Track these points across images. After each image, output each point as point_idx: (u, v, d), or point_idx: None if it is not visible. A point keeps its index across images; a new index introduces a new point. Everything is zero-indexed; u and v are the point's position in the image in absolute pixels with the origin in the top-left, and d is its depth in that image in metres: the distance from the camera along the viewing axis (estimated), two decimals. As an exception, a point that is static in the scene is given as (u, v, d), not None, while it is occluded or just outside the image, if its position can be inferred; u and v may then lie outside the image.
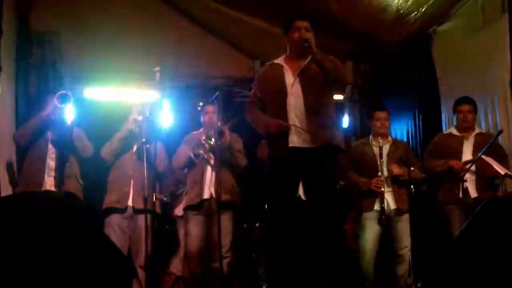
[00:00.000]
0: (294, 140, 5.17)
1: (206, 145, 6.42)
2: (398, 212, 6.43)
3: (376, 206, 6.42)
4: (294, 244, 5.16)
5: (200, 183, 6.41)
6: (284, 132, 5.16)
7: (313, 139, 5.16)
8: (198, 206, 6.39)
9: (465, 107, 6.58)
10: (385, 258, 6.60)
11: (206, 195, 6.38)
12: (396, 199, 6.43)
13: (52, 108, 6.21)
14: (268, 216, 5.94)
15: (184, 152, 6.57)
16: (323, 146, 5.19)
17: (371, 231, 6.47)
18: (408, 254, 6.48)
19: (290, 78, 5.29)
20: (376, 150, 6.47)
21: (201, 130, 6.61)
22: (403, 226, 6.46)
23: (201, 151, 6.47)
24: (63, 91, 6.24)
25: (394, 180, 6.38)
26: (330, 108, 5.37)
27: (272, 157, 5.36)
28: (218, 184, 6.12)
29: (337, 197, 6.29)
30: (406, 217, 6.48)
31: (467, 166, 6.22)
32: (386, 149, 6.48)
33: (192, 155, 6.45)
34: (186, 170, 6.64)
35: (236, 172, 6.60)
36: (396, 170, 6.34)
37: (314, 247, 5.15)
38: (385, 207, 6.38)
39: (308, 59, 5.30)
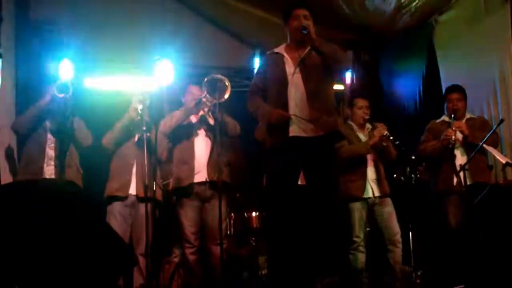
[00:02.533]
0: (295, 130, 5.16)
1: (208, 102, 6.34)
2: (382, 196, 6.52)
3: (365, 194, 6.49)
4: (295, 232, 5.14)
5: (189, 163, 6.36)
6: (285, 122, 5.16)
7: (314, 128, 5.16)
8: (190, 189, 6.34)
9: (455, 96, 6.66)
10: (379, 248, 6.64)
11: (198, 178, 6.32)
12: (380, 184, 6.53)
13: (51, 97, 6.24)
14: (269, 205, 5.95)
15: (180, 112, 6.48)
16: (325, 133, 5.19)
17: (359, 220, 6.51)
18: (399, 240, 6.51)
19: (290, 68, 5.29)
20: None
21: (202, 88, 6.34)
22: (389, 211, 6.53)
23: (201, 112, 6.43)
24: (62, 81, 6.27)
25: None
26: (331, 95, 5.37)
27: (273, 147, 5.34)
28: (216, 165, 6.05)
29: (337, 182, 6.30)
30: (390, 202, 6.56)
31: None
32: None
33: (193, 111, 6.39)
34: (170, 143, 6.54)
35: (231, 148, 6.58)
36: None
37: (314, 234, 5.14)
38: (371, 195, 6.49)
39: (308, 48, 5.32)
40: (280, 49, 5.46)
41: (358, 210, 6.51)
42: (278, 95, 5.27)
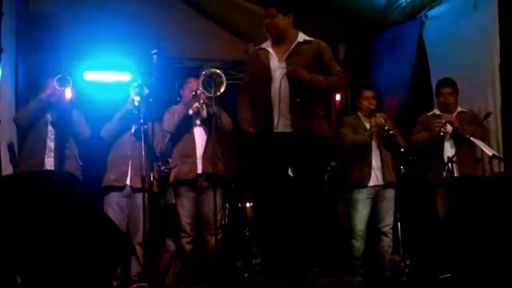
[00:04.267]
0: (278, 126, 5.22)
1: (203, 95, 6.44)
2: (387, 185, 6.70)
3: (370, 182, 6.66)
4: (284, 222, 5.22)
5: (193, 157, 6.47)
6: (269, 118, 5.24)
7: (295, 125, 5.23)
8: (191, 182, 6.48)
9: (446, 90, 6.75)
10: (369, 236, 6.83)
11: (198, 170, 6.45)
12: (385, 172, 6.69)
13: (51, 90, 6.34)
14: (258, 197, 6.08)
15: (180, 107, 6.63)
16: (303, 134, 5.24)
17: (362, 213, 6.71)
18: (390, 231, 6.73)
19: (275, 63, 5.35)
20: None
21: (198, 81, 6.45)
22: (389, 205, 6.74)
23: (196, 104, 6.53)
24: (62, 74, 6.37)
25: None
26: (316, 94, 5.33)
27: (258, 142, 5.41)
28: (214, 158, 6.19)
29: (324, 178, 6.43)
30: (392, 196, 6.74)
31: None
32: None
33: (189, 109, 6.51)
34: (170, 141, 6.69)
35: (224, 141, 6.68)
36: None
37: (304, 225, 5.20)
38: (376, 183, 6.67)
39: (295, 43, 5.35)
40: (267, 44, 5.51)
41: (362, 201, 6.71)
42: (264, 91, 5.34)
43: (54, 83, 6.30)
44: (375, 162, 6.72)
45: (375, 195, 6.74)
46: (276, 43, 5.43)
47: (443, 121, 6.50)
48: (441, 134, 6.47)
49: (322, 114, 5.42)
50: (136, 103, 6.55)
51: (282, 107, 5.22)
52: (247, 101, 5.54)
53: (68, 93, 6.37)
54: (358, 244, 6.75)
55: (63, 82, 6.32)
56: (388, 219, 6.75)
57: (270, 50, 5.42)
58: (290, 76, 5.19)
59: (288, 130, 5.24)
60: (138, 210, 6.38)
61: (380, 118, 6.71)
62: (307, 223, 5.20)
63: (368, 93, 6.94)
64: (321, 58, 5.40)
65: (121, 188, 6.57)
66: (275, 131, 5.23)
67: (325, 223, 6.76)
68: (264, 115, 5.31)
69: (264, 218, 5.49)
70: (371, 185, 6.70)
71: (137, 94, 6.56)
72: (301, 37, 5.42)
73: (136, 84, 6.61)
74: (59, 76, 6.33)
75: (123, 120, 6.66)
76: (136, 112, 6.54)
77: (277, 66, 5.33)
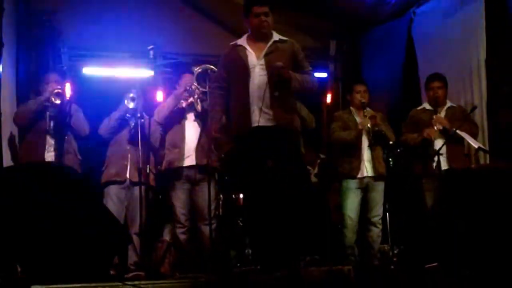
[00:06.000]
0: (257, 120, 5.28)
1: (197, 90, 6.54)
2: (377, 178, 6.82)
3: (359, 174, 6.78)
4: (271, 214, 5.28)
5: (180, 147, 6.56)
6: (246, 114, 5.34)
7: (277, 118, 5.32)
8: (180, 172, 6.57)
9: (435, 84, 6.86)
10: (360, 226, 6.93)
11: (188, 162, 6.55)
12: (376, 165, 6.81)
13: (48, 97, 6.47)
14: (242, 190, 6.20)
15: (171, 99, 6.71)
16: (285, 127, 5.37)
17: (353, 200, 6.83)
18: (379, 222, 6.86)
19: (253, 60, 5.41)
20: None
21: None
22: (378, 196, 6.85)
23: (190, 98, 6.62)
24: (58, 89, 6.48)
25: None
26: (292, 90, 5.44)
27: (237, 137, 5.51)
28: (208, 150, 6.31)
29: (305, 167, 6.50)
30: (381, 188, 6.86)
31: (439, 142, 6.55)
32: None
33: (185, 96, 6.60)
34: (161, 129, 6.78)
35: None
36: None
37: (291, 216, 5.28)
38: (365, 174, 6.78)
39: (271, 41, 5.44)
40: (242, 41, 5.54)
41: (352, 190, 6.82)
42: (241, 87, 5.40)
43: (51, 98, 6.43)
44: (366, 155, 6.82)
45: (365, 186, 6.84)
46: (255, 41, 5.50)
47: (435, 127, 6.63)
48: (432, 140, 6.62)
49: (295, 108, 5.68)
50: (133, 103, 6.72)
51: (263, 102, 5.30)
52: (220, 99, 5.63)
53: (68, 90, 6.48)
54: (349, 233, 6.84)
55: (59, 97, 6.45)
56: (377, 210, 6.86)
57: (247, 47, 5.48)
58: (279, 72, 5.28)
59: (270, 124, 5.32)
60: (136, 201, 6.50)
61: (366, 121, 6.80)
62: (294, 214, 5.29)
63: (360, 87, 7.04)
64: (296, 58, 5.53)
65: (121, 182, 6.71)
66: (257, 125, 5.29)
67: (315, 214, 6.93)
68: (243, 110, 5.39)
69: (252, 210, 5.57)
70: (360, 177, 6.80)
71: (135, 91, 6.75)
72: (276, 35, 5.53)
73: (131, 95, 6.73)
74: (56, 92, 6.45)
75: (120, 119, 6.79)
76: (133, 108, 6.70)
77: (255, 62, 5.40)
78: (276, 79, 5.29)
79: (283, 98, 5.37)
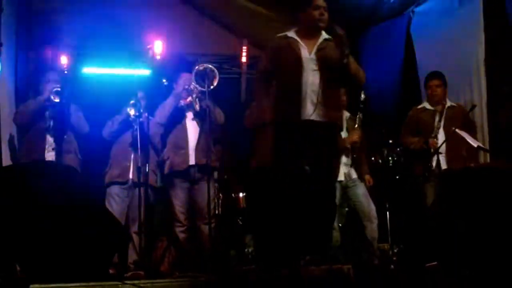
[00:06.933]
0: (309, 114, 5.20)
1: (196, 89, 6.54)
2: (356, 181, 6.85)
3: (341, 177, 6.71)
4: (281, 211, 5.24)
5: (185, 148, 6.57)
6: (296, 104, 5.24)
7: (327, 114, 5.23)
8: (184, 172, 6.58)
9: (434, 82, 6.84)
10: (357, 227, 6.95)
11: (191, 161, 6.56)
12: (356, 168, 6.86)
13: (48, 96, 6.48)
14: (258, 185, 6.17)
15: (171, 99, 6.71)
16: (331, 122, 5.31)
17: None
18: (375, 215, 6.81)
19: (306, 54, 5.27)
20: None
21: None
22: (362, 191, 6.85)
23: (189, 98, 6.64)
24: (58, 88, 6.49)
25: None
26: (340, 88, 5.50)
27: (280, 127, 5.36)
28: (207, 149, 6.33)
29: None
30: (362, 185, 6.88)
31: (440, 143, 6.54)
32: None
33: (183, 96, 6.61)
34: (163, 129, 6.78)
35: (215, 134, 6.79)
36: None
37: (309, 215, 5.24)
38: (343, 178, 6.75)
39: (321, 38, 5.33)
40: (292, 33, 5.38)
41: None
42: (292, 80, 5.25)
43: (51, 96, 6.45)
44: (344, 159, 6.79)
45: (345, 186, 6.83)
46: (305, 35, 5.38)
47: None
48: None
49: (345, 105, 5.85)
50: (135, 109, 6.68)
51: (313, 96, 5.21)
52: (268, 89, 5.53)
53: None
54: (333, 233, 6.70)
55: (58, 94, 6.47)
56: (369, 204, 6.82)
57: (300, 40, 5.34)
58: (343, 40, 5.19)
59: (320, 119, 5.23)
60: (136, 201, 6.49)
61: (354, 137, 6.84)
62: (313, 213, 5.25)
63: None
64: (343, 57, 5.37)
65: (124, 183, 6.74)
66: (308, 118, 5.21)
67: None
68: (294, 101, 5.26)
69: (258, 207, 5.54)
70: (338, 180, 6.58)
71: (133, 107, 6.71)
72: (324, 34, 5.41)
73: (133, 102, 6.71)
74: (55, 90, 6.46)
75: (124, 123, 6.78)
76: (137, 114, 6.65)
77: (307, 57, 5.30)
78: (328, 75, 5.23)
79: (334, 95, 5.34)
